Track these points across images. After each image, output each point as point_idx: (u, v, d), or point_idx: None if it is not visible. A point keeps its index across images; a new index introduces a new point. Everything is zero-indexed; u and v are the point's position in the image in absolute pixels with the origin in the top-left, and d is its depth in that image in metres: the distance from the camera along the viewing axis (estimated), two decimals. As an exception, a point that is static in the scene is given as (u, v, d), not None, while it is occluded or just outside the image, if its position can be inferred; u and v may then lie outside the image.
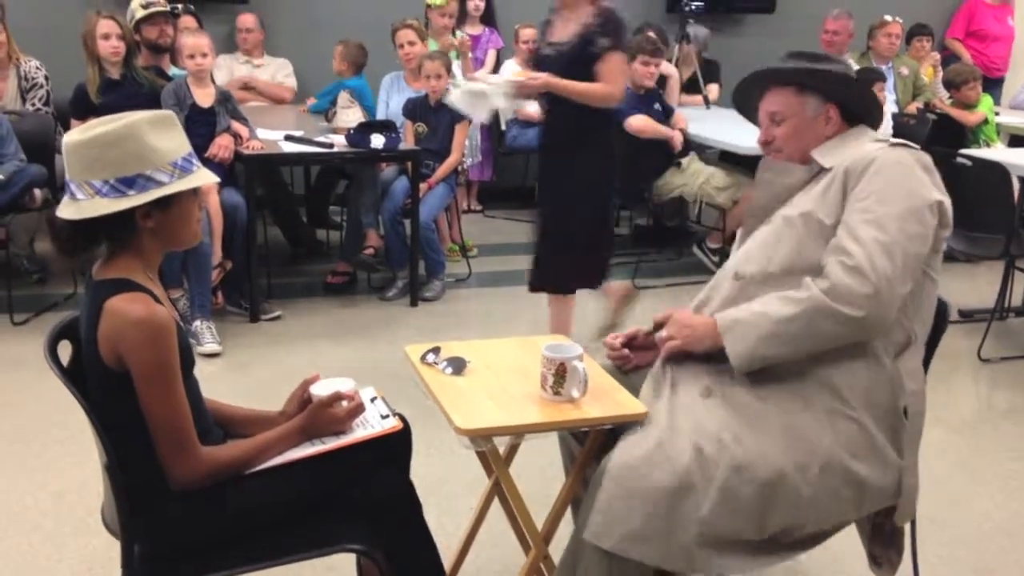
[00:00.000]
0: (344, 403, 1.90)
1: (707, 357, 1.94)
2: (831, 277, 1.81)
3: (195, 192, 1.78)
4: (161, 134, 1.71)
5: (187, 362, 1.77)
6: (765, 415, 1.84)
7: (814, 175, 2.01)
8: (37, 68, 4.83)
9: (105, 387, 1.71)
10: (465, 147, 5.44)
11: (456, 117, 4.88)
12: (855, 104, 2.06)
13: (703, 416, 1.85)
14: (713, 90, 6.42)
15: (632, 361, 2.18)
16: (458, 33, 5.80)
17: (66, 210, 1.70)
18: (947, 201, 1.92)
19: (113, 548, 1.81)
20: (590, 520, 1.78)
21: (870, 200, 1.85)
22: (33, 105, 4.77)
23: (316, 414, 1.88)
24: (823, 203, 1.92)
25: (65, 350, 1.80)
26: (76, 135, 1.69)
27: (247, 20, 6.03)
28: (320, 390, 1.93)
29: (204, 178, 1.77)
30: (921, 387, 1.93)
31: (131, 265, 1.74)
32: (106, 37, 4.26)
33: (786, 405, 1.85)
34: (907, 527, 2.06)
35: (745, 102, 2.22)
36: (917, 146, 1.95)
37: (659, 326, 2.07)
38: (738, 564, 1.83)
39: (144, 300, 1.68)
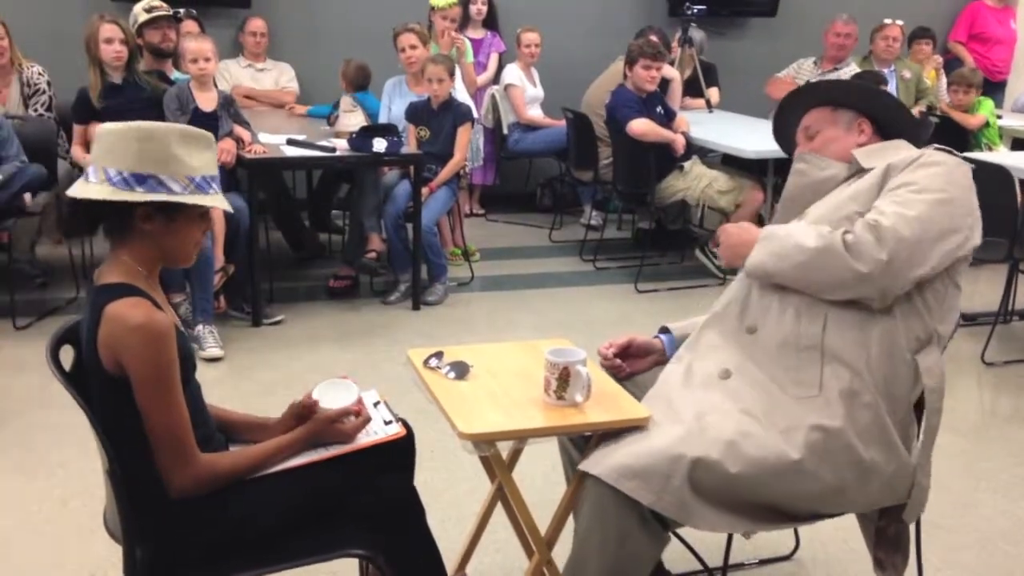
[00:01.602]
0: (352, 418, 1.90)
1: (727, 342, 1.99)
2: (855, 230, 1.86)
3: (203, 217, 1.78)
4: (190, 149, 1.72)
5: (188, 368, 1.77)
6: (778, 397, 1.88)
7: (853, 174, 2.03)
8: (39, 74, 4.83)
9: (105, 392, 1.70)
10: (468, 150, 5.44)
11: (459, 120, 4.88)
12: (888, 119, 2.09)
13: (716, 393, 1.90)
14: (713, 93, 6.42)
15: (625, 370, 2.19)
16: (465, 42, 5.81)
17: (75, 188, 1.72)
18: (979, 212, 1.93)
19: (115, 554, 1.80)
20: (591, 455, 1.84)
21: (903, 189, 1.89)
22: (35, 111, 4.77)
23: (322, 428, 1.87)
24: (859, 197, 1.95)
25: (67, 355, 1.80)
26: (112, 125, 1.73)
27: (259, 25, 6.03)
28: (324, 396, 1.92)
29: (216, 202, 1.76)
30: (939, 385, 1.93)
31: (132, 270, 1.74)
32: (109, 41, 4.26)
33: (801, 391, 1.88)
34: (912, 532, 2.06)
35: (783, 135, 2.25)
36: (961, 155, 1.97)
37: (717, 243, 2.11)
38: (731, 523, 1.84)
39: (144, 306, 1.67)
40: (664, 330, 2.27)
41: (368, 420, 1.93)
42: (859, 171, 2.02)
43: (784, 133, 2.26)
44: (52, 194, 4.34)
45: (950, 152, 1.96)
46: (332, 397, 1.92)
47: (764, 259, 1.92)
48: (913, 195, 1.86)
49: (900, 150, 2.03)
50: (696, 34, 6.25)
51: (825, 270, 1.85)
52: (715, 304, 2.11)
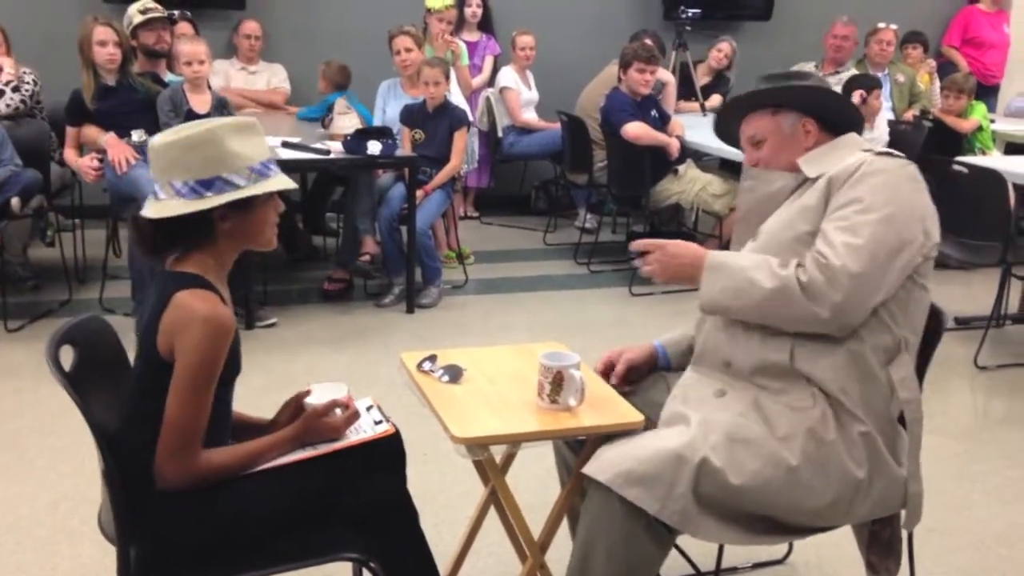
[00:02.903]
0: (339, 411, 1.90)
1: (713, 380, 1.96)
2: (809, 272, 1.81)
3: (272, 196, 1.82)
4: (242, 140, 1.77)
5: (234, 369, 1.81)
6: (774, 407, 1.87)
7: (800, 184, 1.99)
8: (27, 73, 4.83)
9: (149, 374, 1.73)
10: (464, 155, 5.44)
11: (454, 124, 4.88)
12: (831, 114, 2.03)
13: (714, 409, 1.89)
14: (715, 99, 6.45)
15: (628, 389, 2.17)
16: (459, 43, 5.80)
17: (149, 209, 1.75)
18: (932, 210, 1.89)
19: (108, 556, 1.80)
20: (594, 458, 1.83)
21: (848, 208, 1.84)
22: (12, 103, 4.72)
23: (311, 423, 1.88)
24: (806, 215, 1.90)
25: (66, 357, 1.78)
26: (163, 137, 1.75)
27: (253, 27, 6.02)
28: (315, 400, 1.92)
29: (281, 183, 1.81)
30: (916, 395, 1.92)
31: (205, 264, 1.79)
32: (103, 44, 4.25)
33: (797, 403, 1.86)
34: (904, 535, 2.06)
35: (728, 135, 2.21)
36: (903, 155, 1.92)
37: (642, 253, 2.01)
38: (730, 535, 1.84)
39: (213, 299, 1.72)
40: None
41: (357, 415, 1.93)
42: (806, 180, 1.97)
43: (729, 137, 2.21)
44: (41, 198, 4.32)
45: (891, 155, 1.91)
46: (320, 395, 1.92)
47: (718, 296, 1.89)
48: (859, 216, 1.81)
49: (842, 151, 1.97)
50: (727, 45, 6.30)
51: (783, 311, 1.83)
52: (696, 346, 2.08)
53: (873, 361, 1.86)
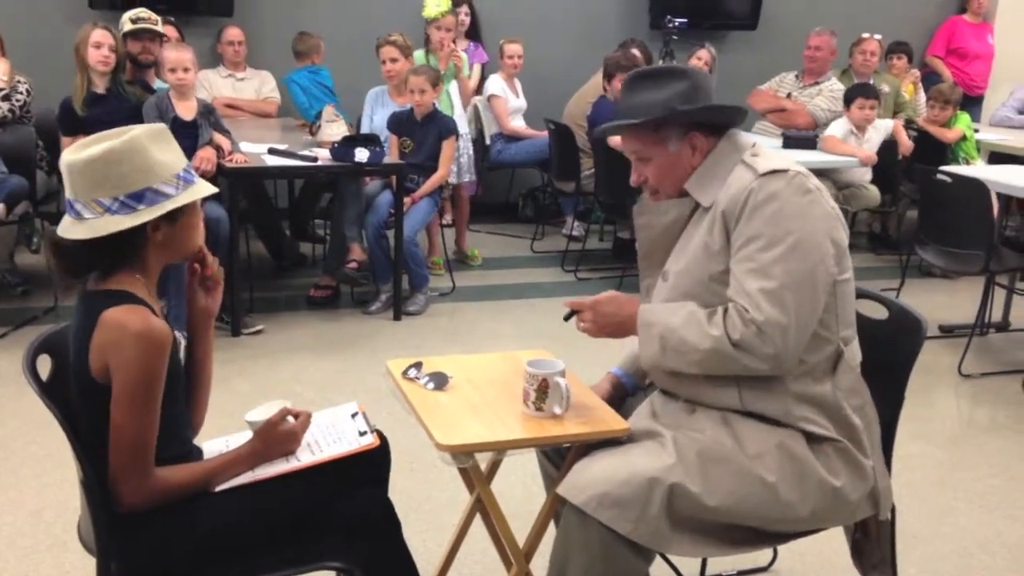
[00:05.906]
0: (291, 419, 1.88)
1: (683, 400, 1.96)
2: (738, 328, 1.77)
3: (196, 202, 1.80)
4: (162, 147, 1.72)
5: (176, 386, 1.76)
6: (745, 423, 1.86)
7: (693, 210, 1.95)
8: (20, 82, 4.81)
9: (89, 400, 1.69)
10: (462, 163, 5.44)
11: (443, 132, 4.89)
12: (713, 119, 1.96)
13: (686, 426, 1.89)
14: None
15: None
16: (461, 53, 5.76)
17: (74, 230, 1.67)
18: (834, 212, 1.85)
19: (90, 566, 1.79)
20: (571, 473, 1.82)
21: (750, 247, 1.79)
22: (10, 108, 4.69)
23: (268, 434, 1.84)
24: (714, 257, 1.86)
25: (44, 365, 1.78)
26: (76, 154, 1.67)
27: (235, 33, 6.01)
28: (256, 417, 1.90)
29: (206, 189, 1.79)
30: (866, 399, 1.92)
31: (132, 279, 1.73)
32: (98, 46, 4.23)
33: (766, 415, 1.86)
34: (890, 541, 2.07)
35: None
36: (788, 167, 1.84)
37: (573, 312, 2.02)
38: (707, 549, 1.84)
39: (144, 313, 1.66)
40: None
41: (308, 416, 1.91)
42: (699, 205, 1.93)
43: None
44: (27, 204, 4.31)
45: (776, 172, 1.81)
46: (260, 414, 1.91)
47: (659, 359, 1.87)
48: (763, 254, 1.77)
49: (727, 164, 1.90)
50: (706, 53, 6.32)
51: (722, 368, 1.82)
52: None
53: (819, 382, 1.86)
